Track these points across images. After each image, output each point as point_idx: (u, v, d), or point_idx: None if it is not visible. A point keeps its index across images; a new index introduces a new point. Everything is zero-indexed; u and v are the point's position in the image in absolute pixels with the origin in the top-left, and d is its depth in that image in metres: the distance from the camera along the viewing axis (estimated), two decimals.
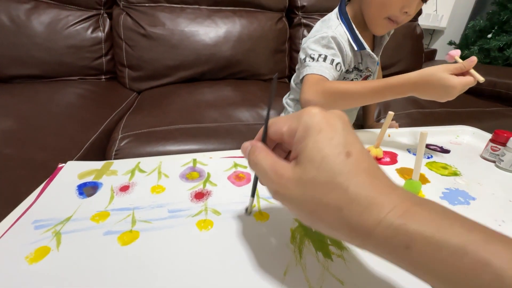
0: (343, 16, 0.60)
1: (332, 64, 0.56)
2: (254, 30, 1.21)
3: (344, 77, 0.65)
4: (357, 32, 0.58)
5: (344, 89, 0.51)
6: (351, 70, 0.64)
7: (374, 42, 0.66)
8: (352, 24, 0.58)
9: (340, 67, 0.57)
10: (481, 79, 0.42)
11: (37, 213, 0.28)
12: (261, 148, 0.21)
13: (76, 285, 0.21)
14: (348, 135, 0.18)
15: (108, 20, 1.12)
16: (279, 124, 0.20)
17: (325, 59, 0.56)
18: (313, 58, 0.57)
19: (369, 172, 0.17)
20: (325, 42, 0.57)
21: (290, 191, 0.18)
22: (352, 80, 0.66)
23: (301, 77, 0.58)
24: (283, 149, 0.23)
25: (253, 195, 0.27)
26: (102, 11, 1.11)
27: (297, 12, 1.33)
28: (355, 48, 0.58)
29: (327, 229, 0.17)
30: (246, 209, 0.29)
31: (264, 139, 0.22)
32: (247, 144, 0.22)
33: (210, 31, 1.15)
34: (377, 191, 0.16)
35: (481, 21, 1.86)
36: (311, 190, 0.17)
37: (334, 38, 0.57)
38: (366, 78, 0.67)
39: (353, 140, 0.18)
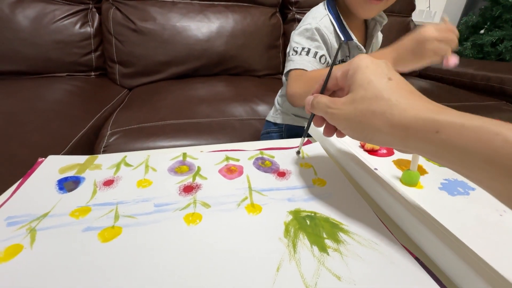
0: (330, 6, 0.58)
1: (315, 57, 0.55)
2: (248, 26, 1.19)
3: None
4: (344, 22, 0.56)
5: (319, 75, 0.50)
6: (337, 62, 0.62)
7: (367, 33, 0.65)
8: (340, 14, 0.57)
9: (325, 59, 0.56)
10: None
11: (11, 209, 0.25)
12: (321, 95, 0.27)
13: (49, 285, 0.19)
14: (390, 69, 0.23)
15: (97, 15, 1.09)
16: (334, 72, 0.27)
17: (308, 52, 0.55)
18: (296, 52, 0.56)
19: (406, 90, 0.21)
20: (309, 34, 0.56)
21: (344, 110, 0.23)
22: None
23: (285, 71, 0.58)
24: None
25: (304, 136, 0.35)
26: (90, 6, 1.08)
27: (290, 8, 1.32)
28: (342, 39, 0.56)
29: (374, 132, 0.21)
30: (298, 152, 0.37)
31: (323, 91, 0.28)
32: (310, 97, 0.27)
33: (203, 26, 1.13)
34: (413, 100, 0.20)
35: (474, 17, 1.87)
36: (360, 104, 0.22)
37: (317, 30, 0.55)
38: None
39: (393, 72, 0.22)
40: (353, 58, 0.24)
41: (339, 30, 0.56)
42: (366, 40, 0.64)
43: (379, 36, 0.68)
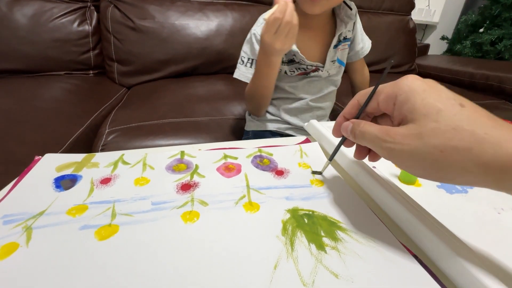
0: None
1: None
2: (247, 24, 1.19)
3: (282, 69, 0.63)
4: None
5: (250, 84, 0.58)
6: (286, 61, 0.61)
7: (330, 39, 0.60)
8: None
9: None
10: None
11: (7, 207, 0.25)
12: (363, 121, 0.22)
13: (45, 283, 0.19)
14: (452, 92, 0.18)
15: (95, 13, 1.08)
16: (375, 95, 0.22)
17: (252, 63, 0.59)
18: (243, 61, 0.60)
19: (488, 117, 0.17)
20: (251, 42, 0.59)
21: (408, 146, 0.18)
22: (291, 72, 0.63)
23: (234, 75, 0.62)
24: None
25: (331, 159, 0.31)
26: (88, 4, 1.07)
27: None
28: None
29: (458, 171, 0.17)
30: (317, 172, 0.33)
31: (358, 117, 0.24)
32: (347, 123, 0.23)
33: (202, 25, 1.12)
34: (504, 130, 0.16)
35: (473, 15, 1.87)
36: (432, 139, 0.17)
37: (255, 36, 0.58)
38: (309, 72, 0.63)
39: (458, 96, 0.18)
40: (398, 80, 0.20)
41: None
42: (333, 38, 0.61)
43: (366, 42, 0.66)
